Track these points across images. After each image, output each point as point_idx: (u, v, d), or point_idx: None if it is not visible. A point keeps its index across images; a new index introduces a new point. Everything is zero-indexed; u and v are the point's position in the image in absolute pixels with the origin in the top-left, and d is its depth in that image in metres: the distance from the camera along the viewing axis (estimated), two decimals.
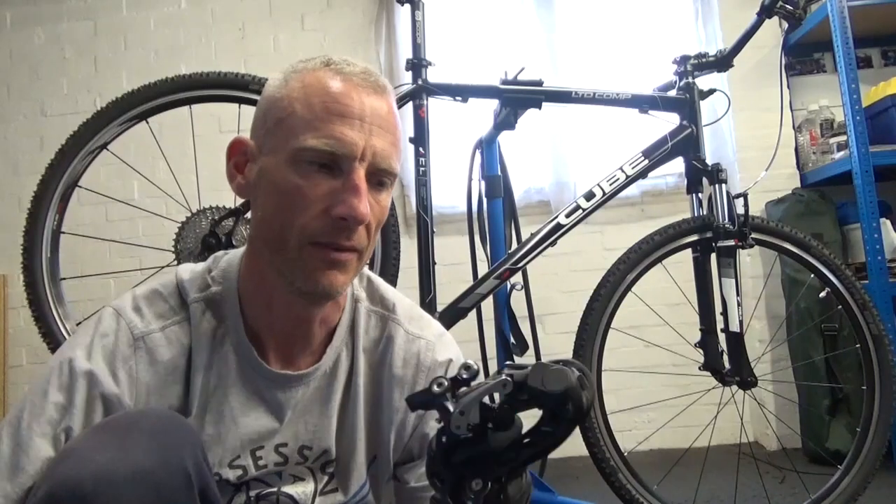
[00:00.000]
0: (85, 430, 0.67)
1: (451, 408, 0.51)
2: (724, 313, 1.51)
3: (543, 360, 1.67)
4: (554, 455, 2.04)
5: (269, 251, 0.75)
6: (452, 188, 2.29)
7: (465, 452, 0.50)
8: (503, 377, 0.51)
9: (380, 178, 0.74)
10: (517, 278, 1.67)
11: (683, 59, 1.65)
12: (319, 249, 0.71)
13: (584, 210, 1.57)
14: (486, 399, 0.51)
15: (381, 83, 0.75)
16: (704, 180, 1.60)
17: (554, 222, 1.56)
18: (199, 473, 0.65)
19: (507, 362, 0.54)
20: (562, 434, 0.51)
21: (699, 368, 1.59)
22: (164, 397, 0.75)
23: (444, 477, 0.51)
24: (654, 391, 2.25)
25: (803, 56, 2.60)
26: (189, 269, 0.82)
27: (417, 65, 1.59)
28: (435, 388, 0.52)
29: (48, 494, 0.58)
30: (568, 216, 1.56)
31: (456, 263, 1.89)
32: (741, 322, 1.50)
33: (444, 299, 1.55)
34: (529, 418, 0.51)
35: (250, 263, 0.79)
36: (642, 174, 1.61)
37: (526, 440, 0.51)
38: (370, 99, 0.73)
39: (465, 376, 0.53)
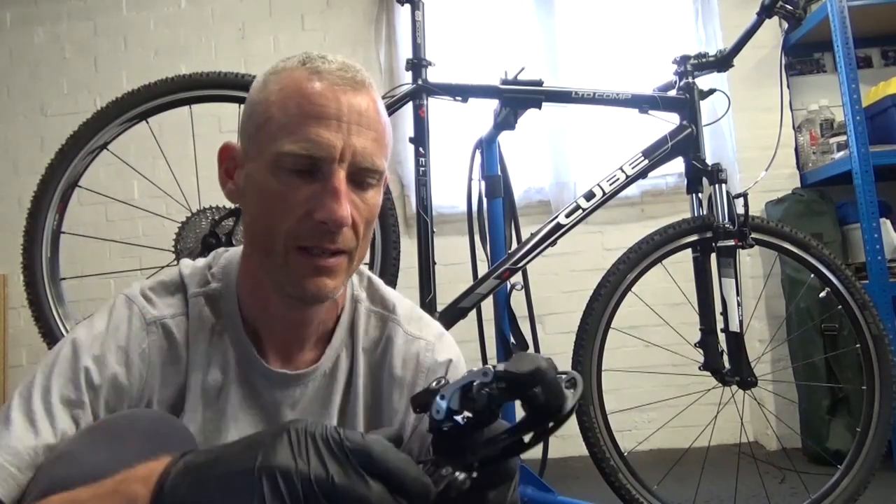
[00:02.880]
0: (78, 431, 0.67)
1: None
2: (724, 313, 1.51)
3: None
4: (554, 455, 2.05)
5: (259, 255, 0.75)
6: (452, 188, 2.29)
7: (441, 437, 0.52)
8: (486, 367, 0.53)
9: (364, 176, 0.72)
10: (517, 278, 1.67)
11: (683, 59, 1.65)
12: (305, 255, 0.71)
13: (584, 210, 1.57)
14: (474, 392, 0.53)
15: (359, 79, 0.73)
16: (704, 180, 1.60)
17: (554, 222, 1.56)
18: None
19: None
20: (537, 425, 0.51)
21: (699, 368, 1.59)
22: (166, 385, 0.76)
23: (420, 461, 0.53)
24: (654, 391, 2.25)
25: (803, 56, 2.60)
26: (190, 265, 0.83)
27: (417, 65, 1.59)
28: (433, 384, 0.54)
29: (41, 495, 0.58)
30: (568, 216, 1.56)
31: (456, 263, 1.89)
32: (741, 322, 1.50)
33: (444, 299, 1.55)
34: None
35: (246, 265, 0.80)
36: (642, 174, 1.61)
37: (503, 436, 0.52)
38: (347, 97, 0.71)
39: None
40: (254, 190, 0.73)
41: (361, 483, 0.49)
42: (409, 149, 1.61)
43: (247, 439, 0.53)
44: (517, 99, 1.59)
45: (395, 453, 0.51)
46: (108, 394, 0.72)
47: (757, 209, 2.42)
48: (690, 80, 1.63)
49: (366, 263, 1.55)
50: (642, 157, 1.60)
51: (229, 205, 1.51)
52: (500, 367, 0.52)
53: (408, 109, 1.61)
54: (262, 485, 0.47)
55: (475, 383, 0.52)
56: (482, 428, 0.52)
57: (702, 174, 1.60)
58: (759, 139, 2.40)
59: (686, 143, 1.60)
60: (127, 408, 0.73)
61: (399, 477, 0.50)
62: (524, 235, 1.66)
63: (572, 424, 1.55)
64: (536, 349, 1.76)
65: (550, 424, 0.51)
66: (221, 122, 2.54)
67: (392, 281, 1.52)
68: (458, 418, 0.52)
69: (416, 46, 1.60)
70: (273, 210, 0.71)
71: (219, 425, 0.77)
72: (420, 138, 1.58)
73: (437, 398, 0.52)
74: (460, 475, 0.51)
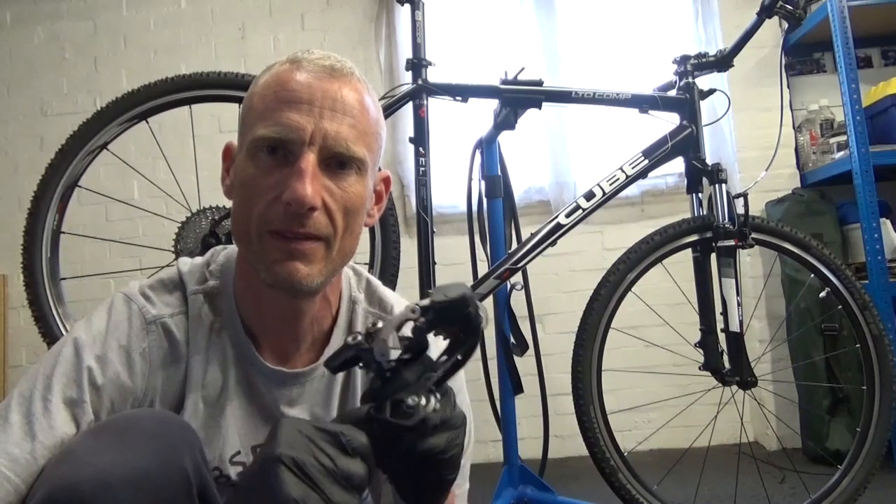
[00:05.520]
0: (83, 432, 0.67)
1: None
2: (724, 313, 1.51)
3: (542, 357, 1.66)
4: (554, 455, 2.05)
5: (241, 245, 0.76)
6: (452, 188, 2.29)
7: (387, 378, 0.57)
8: (412, 305, 0.58)
9: (339, 161, 0.72)
10: (517, 278, 1.67)
11: (683, 59, 1.65)
12: (277, 239, 0.70)
13: (584, 210, 1.57)
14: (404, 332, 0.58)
15: (337, 67, 0.73)
16: (704, 180, 1.60)
17: (554, 222, 1.56)
18: (198, 474, 0.65)
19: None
20: (469, 342, 0.57)
21: (699, 368, 1.59)
22: (167, 383, 0.77)
23: (379, 405, 0.57)
24: (654, 391, 2.25)
25: (803, 56, 2.60)
26: (188, 262, 0.83)
27: (417, 65, 1.59)
28: (349, 340, 0.57)
29: (46, 497, 0.58)
30: (568, 216, 1.56)
31: (456, 263, 1.89)
32: (741, 322, 1.50)
33: None
34: None
35: (239, 261, 0.81)
36: (642, 174, 1.60)
37: (441, 359, 0.57)
38: (322, 83, 0.72)
39: (372, 329, 0.58)
40: (237, 180, 0.75)
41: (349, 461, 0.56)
42: (409, 149, 1.61)
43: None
44: (517, 99, 1.58)
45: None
46: (112, 393, 0.72)
47: (757, 209, 2.42)
48: (690, 80, 1.63)
49: (365, 263, 1.56)
50: (642, 157, 1.60)
51: (229, 204, 1.51)
52: (425, 302, 0.57)
53: (408, 109, 1.61)
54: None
55: (405, 322, 0.57)
56: (419, 359, 0.57)
57: (702, 174, 1.60)
58: (759, 139, 2.40)
59: (686, 143, 1.60)
60: (131, 407, 0.73)
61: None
62: (524, 235, 1.65)
63: (572, 424, 1.56)
64: (536, 349, 1.76)
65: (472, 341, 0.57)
66: (221, 122, 2.55)
67: (392, 281, 1.52)
68: (400, 356, 0.57)
69: (416, 46, 1.60)
70: (249, 196, 0.72)
71: (219, 422, 0.77)
72: (420, 138, 1.58)
73: (379, 340, 0.56)
74: (422, 400, 0.55)
